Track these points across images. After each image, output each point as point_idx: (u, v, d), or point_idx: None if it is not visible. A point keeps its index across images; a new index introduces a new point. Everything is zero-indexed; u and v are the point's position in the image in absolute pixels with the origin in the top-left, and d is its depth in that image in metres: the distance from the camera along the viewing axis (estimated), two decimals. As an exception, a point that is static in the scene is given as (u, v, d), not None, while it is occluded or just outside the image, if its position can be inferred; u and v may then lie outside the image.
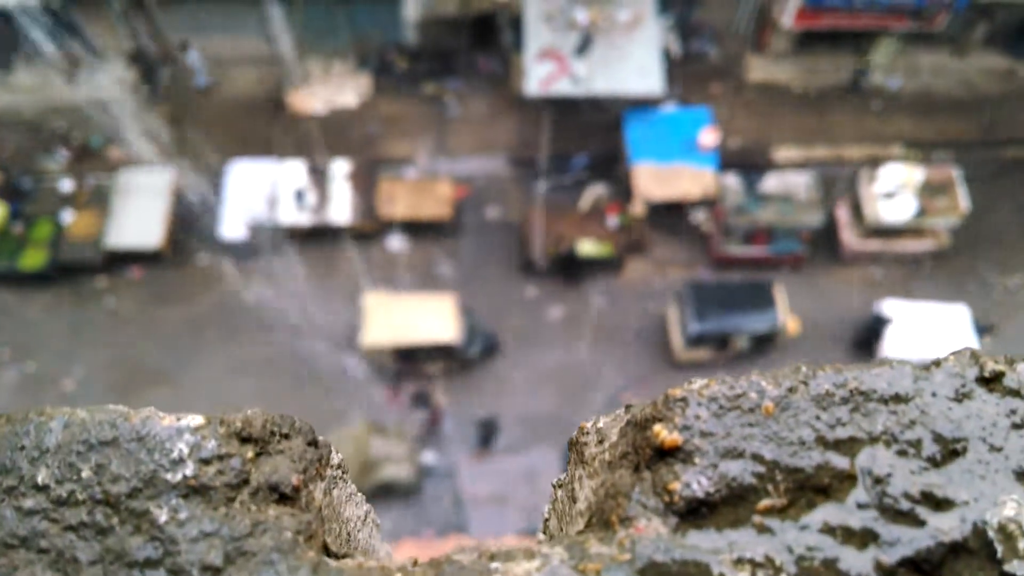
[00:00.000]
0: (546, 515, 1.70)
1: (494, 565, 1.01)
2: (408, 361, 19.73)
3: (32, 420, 1.09)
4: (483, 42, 22.54)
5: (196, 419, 1.08)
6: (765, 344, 19.65)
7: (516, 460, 19.09)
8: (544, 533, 1.70)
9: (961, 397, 1.09)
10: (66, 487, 1.04)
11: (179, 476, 1.04)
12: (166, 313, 20.82)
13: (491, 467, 19.06)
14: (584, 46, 20.65)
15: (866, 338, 19.38)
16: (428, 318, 19.05)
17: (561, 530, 1.46)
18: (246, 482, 1.06)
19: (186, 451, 1.05)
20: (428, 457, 19.26)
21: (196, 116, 22.51)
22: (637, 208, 20.87)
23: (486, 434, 19.14)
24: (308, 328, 20.46)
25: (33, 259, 20.50)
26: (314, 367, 20.03)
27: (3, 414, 1.12)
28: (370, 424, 18.71)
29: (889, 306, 19.25)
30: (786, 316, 19.27)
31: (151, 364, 20.06)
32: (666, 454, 1.06)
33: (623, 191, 21.39)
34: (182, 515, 1.02)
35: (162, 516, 1.02)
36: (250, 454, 1.08)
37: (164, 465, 1.05)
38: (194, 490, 1.03)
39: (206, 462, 1.05)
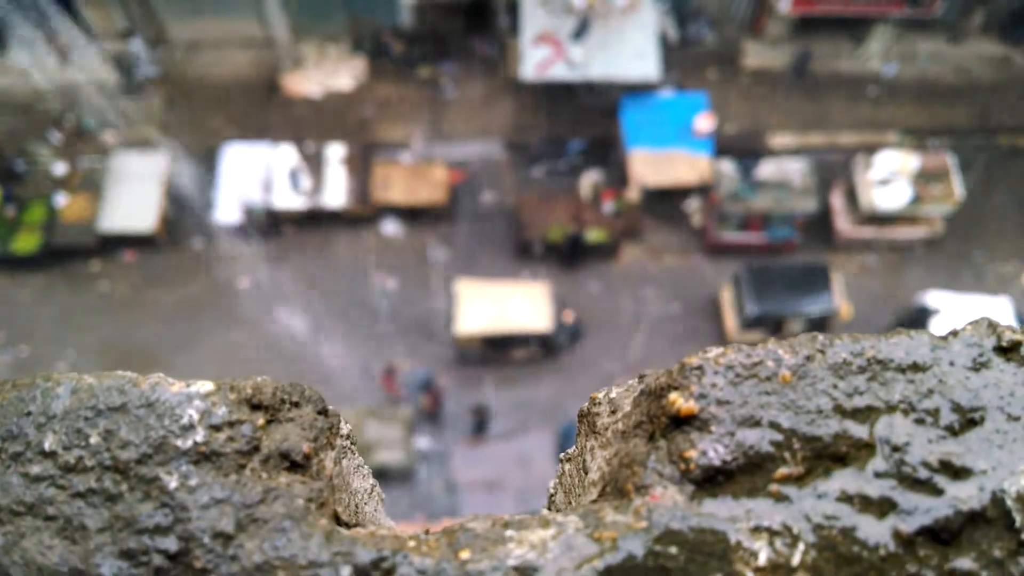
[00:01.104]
0: (552, 490, 1.69)
1: (508, 533, 1.00)
2: (496, 348, 19.69)
3: (39, 386, 1.08)
4: (479, 26, 22.44)
5: (206, 385, 1.07)
6: (819, 328, 19.60)
7: (509, 446, 19.12)
8: (549, 508, 1.69)
9: (979, 366, 1.09)
10: (74, 453, 1.03)
11: (189, 442, 1.03)
12: (159, 297, 20.77)
13: (484, 452, 19.09)
14: (581, 30, 20.57)
15: (910, 328, 19.34)
16: (521, 306, 19.01)
17: (569, 503, 1.45)
18: (257, 449, 1.04)
19: (196, 417, 1.04)
20: (422, 442, 19.29)
21: (190, 99, 22.39)
22: (632, 194, 20.85)
23: (480, 419, 19.17)
24: (302, 312, 20.44)
25: (26, 242, 20.41)
26: (307, 351, 20.01)
27: (8, 380, 1.10)
28: (364, 408, 18.73)
29: (933, 297, 19.25)
30: (841, 300, 19.28)
31: (144, 348, 20.02)
32: (682, 422, 1.05)
33: (619, 177, 21.36)
34: (192, 481, 1.00)
35: (172, 483, 1.00)
36: (260, 421, 1.06)
37: (174, 431, 1.03)
38: (204, 457, 1.02)
39: (216, 428, 1.04)
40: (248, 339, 20.11)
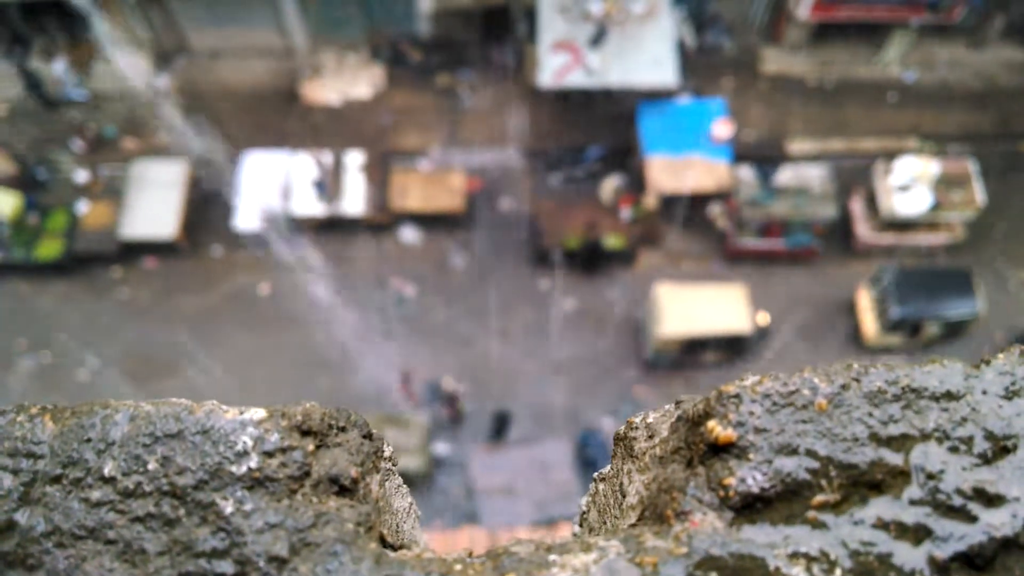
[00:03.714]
0: (584, 507, 1.71)
1: (552, 557, 1.03)
2: (689, 352, 19.77)
3: (97, 413, 1.11)
4: (497, 33, 22.51)
5: (259, 412, 1.10)
6: (956, 332, 19.59)
7: (528, 452, 19.13)
8: (581, 526, 1.72)
9: (1011, 395, 1.11)
10: (133, 479, 1.07)
11: (244, 468, 1.06)
12: (180, 303, 20.92)
13: (503, 458, 19.11)
14: (598, 38, 20.60)
15: None
16: (720, 308, 19.17)
17: (605, 523, 1.48)
18: (308, 474, 1.08)
19: (250, 444, 1.07)
20: (440, 448, 19.33)
21: (209, 107, 22.56)
22: (650, 200, 20.85)
23: (499, 425, 19.20)
24: (321, 319, 20.54)
25: (48, 249, 20.62)
26: (327, 357, 20.10)
27: (68, 407, 1.14)
28: (383, 414, 18.79)
29: None
30: (984, 305, 19.21)
31: (165, 354, 20.17)
32: (720, 450, 1.08)
33: (636, 183, 21.36)
34: (247, 506, 1.04)
35: (228, 508, 1.04)
36: (310, 447, 1.10)
37: (229, 457, 1.07)
38: (258, 482, 1.06)
39: (269, 455, 1.07)
40: (269, 346, 20.22)
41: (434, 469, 18.96)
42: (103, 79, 22.15)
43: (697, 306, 19.16)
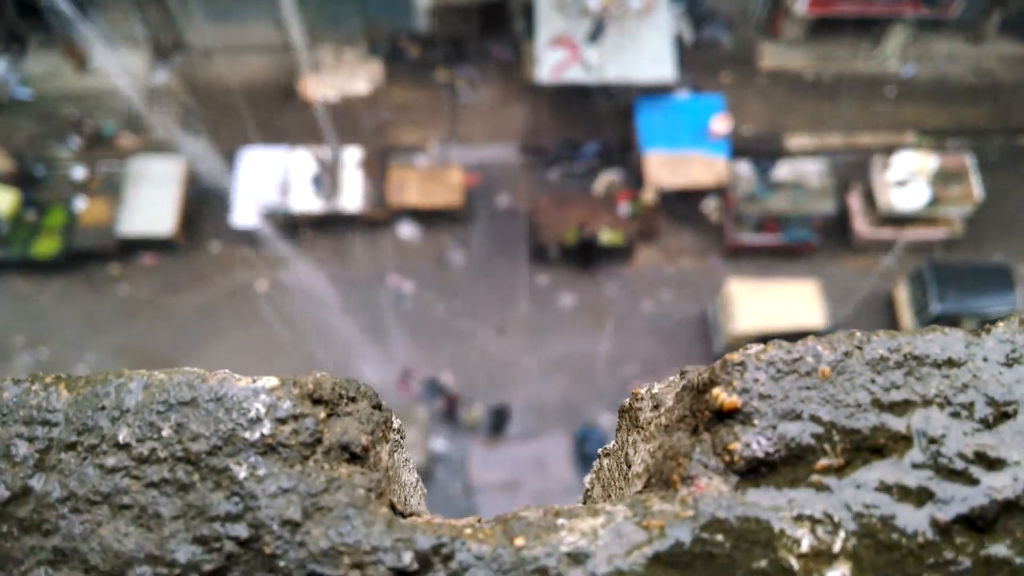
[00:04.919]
0: (588, 485, 1.73)
1: (560, 521, 1.05)
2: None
3: (112, 381, 1.13)
4: (495, 29, 22.51)
5: (271, 380, 1.12)
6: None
7: (526, 447, 19.16)
8: (586, 503, 1.73)
9: (1011, 362, 1.12)
10: (147, 445, 1.08)
11: (257, 435, 1.08)
12: (178, 300, 20.92)
13: (501, 454, 19.13)
14: (596, 33, 20.60)
15: None
16: (794, 304, 19.28)
17: (608, 496, 1.50)
18: (319, 441, 1.10)
19: (263, 411, 1.09)
20: (438, 443, 19.35)
21: (207, 104, 22.54)
22: (648, 196, 20.86)
23: (497, 421, 19.22)
24: (318, 315, 20.54)
25: (46, 246, 20.61)
26: (325, 354, 20.11)
27: (83, 376, 1.16)
28: (382, 411, 18.78)
29: None
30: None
31: (163, 351, 20.17)
32: (725, 416, 1.10)
33: (634, 179, 21.37)
34: (261, 472, 1.06)
35: (241, 473, 1.05)
36: (322, 415, 1.12)
37: (242, 424, 1.08)
38: (271, 448, 1.07)
39: (282, 422, 1.09)
40: (265, 341, 20.22)
41: (432, 464, 18.98)
42: (100, 76, 22.12)
43: (771, 302, 19.25)
